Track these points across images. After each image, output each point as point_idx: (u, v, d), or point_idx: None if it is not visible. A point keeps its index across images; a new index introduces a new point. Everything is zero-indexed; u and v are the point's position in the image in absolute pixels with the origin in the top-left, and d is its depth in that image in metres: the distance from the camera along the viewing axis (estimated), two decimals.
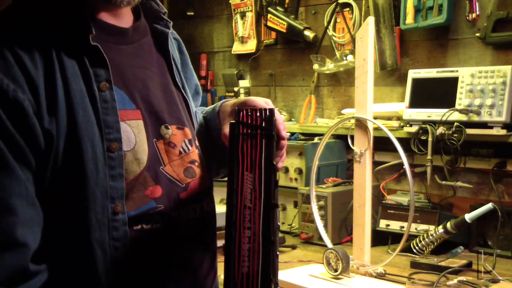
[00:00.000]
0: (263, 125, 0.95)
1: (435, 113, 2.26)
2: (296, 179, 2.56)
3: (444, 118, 2.21)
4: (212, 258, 1.23)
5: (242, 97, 3.20)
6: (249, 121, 0.95)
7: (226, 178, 1.21)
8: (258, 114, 0.96)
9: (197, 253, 1.17)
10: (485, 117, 2.16)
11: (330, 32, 2.85)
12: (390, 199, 2.40)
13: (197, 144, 1.21)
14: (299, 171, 2.55)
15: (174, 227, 1.10)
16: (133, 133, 1.06)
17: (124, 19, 1.13)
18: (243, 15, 3.26)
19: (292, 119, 3.06)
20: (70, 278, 1.02)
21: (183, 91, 1.23)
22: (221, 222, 2.16)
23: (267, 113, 0.96)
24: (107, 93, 1.03)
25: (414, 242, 2.02)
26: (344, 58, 2.76)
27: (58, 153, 0.98)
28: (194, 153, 1.18)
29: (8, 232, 0.93)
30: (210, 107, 1.34)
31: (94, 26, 1.04)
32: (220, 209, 2.19)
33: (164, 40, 1.21)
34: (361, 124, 1.88)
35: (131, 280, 1.05)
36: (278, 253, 0.94)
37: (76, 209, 1.00)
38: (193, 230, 1.15)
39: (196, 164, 1.17)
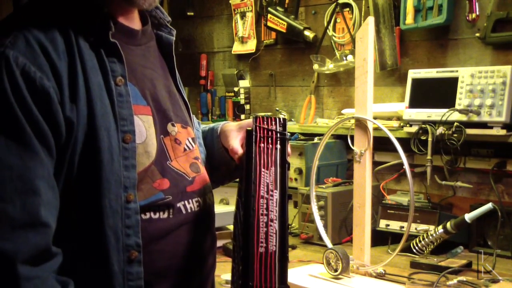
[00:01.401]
0: (279, 129, 1.10)
1: (435, 113, 2.26)
2: (296, 179, 2.56)
3: (444, 118, 2.21)
4: (212, 248, 1.28)
5: (242, 96, 3.23)
6: (266, 126, 1.09)
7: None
8: (273, 120, 1.11)
9: (200, 242, 1.22)
10: (485, 117, 2.16)
11: (330, 32, 2.85)
12: (390, 199, 2.40)
13: (198, 143, 1.28)
14: (299, 171, 2.55)
15: (179, 217, 1.16)
16: (144, 127, 1.13)
17: (135, 22, 1.20)
18: (243, 15, 3.26)
19: (292, 119, 3.06)
20: (83, 263, 1.06)
21: (183, 95, 1.31)
22: (221, 222, 2.18)
23: (281, 120, 1.11)
24: (123, 88, 1.10)
25: (414, 242, 2.02)
26: (344, 58, 2.76)
27: (77, 141, 1.03)
28: (197, 150, 1.25)
29: (33, 212, 0.98)
30: (206, 126, 1.43)
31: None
32: (220, 209, 2.20)
33: (169, 46, 1.29)
34: (361, 124, 1.88)
35: (141, 266, 1.09)
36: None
37: (91, 196, 1.05)
38: (196, 221, 1.20)
39: (199, 160, 1.24)
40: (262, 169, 1.05)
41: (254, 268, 1.00)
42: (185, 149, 1.20)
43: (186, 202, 1.17)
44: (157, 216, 1.12)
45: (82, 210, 1.05)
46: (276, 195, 1.04)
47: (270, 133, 1.09)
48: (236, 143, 1.26)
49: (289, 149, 1.16)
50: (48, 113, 1.00)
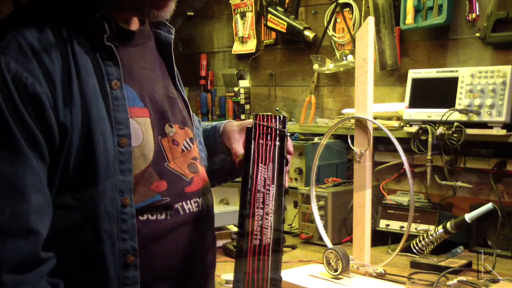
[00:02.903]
0: (278, 126, 1.13)
1: (435, 113, 2.26)
2: (296, 179, 2.56)
3: (444, 118, 2.21)
4: (212, 248, 1.28)
5: (242, 96, 3.23)
6: (265, 123, 1.12)
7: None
8: (273, 118, 1.13)
9: (200, 243, 1.22)
10: (485, 117, 2.16)
11: (330, 32, 2.85)
12: (390, 199, 2.40)
13: (197, 143, 1.27)
14: (299, 171, 2.55)
15: (177, 218, 1.15)
16: (141, 130, 1.12)
17: (132, 23, 1.19)
18: (243, 15, 3.26)
19: (292, 119, 3.06)
20: (79, 268, 1.06)
21: (182, 94, 1.29)
22: (221, 222, 2.18)
23: (281, 118, 1.15)
24: (118, 91, 1.09)
25: (414, 242, 2.01)
26: (344, 58, 2.76)
27: (72, 145, 1.02)
28: (195, 150, 1.24)
29: (22, 219, 0.97)
30: (208, 124, 1.42)
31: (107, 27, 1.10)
32: (220, 209, 2.20)
33: (168, 46, 1.28)
34: (361, 124, 1.88)
35: (137, 270, 1.08)
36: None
37: (87, 201, 1.04)
38: (195, 221, 1.19)
39: (197, 161, 1.24)
40: (260, 164, 1.08)
41: (247, 259, 1.03)
42: (183, 150, 1.20)
43: (184, 203, 1.17)
44: (154, 217, 1.12)
45: (77, 215, 1.04)
46: (273, 189, 1.06)
47: (269, 130, 1.11)
48: (239, 147, 1.27)
49: (290, 147, 1.17)
50: (40, 118, 0.99)
